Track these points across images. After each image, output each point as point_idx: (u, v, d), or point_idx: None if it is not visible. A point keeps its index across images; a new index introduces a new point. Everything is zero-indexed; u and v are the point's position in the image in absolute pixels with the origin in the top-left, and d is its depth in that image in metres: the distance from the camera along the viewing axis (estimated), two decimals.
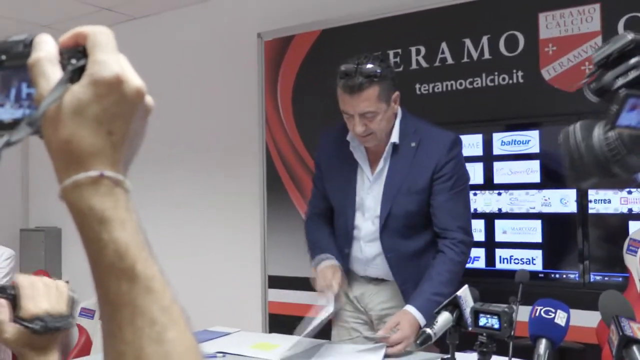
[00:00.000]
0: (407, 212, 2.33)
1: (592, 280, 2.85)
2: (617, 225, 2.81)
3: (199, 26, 4.28)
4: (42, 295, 1.13)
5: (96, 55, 0.57)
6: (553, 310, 1.56)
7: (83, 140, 0.55)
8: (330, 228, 2.52)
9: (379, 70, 2.20)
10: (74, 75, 0.56)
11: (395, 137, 2.34)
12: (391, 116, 2.32)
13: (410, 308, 2.18)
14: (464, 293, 1.75)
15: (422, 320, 2.15)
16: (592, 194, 2.85)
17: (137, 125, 0.59)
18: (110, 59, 0.57)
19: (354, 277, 2.46)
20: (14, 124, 0.57)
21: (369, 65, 2.19)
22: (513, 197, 3.04)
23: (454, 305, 1.74)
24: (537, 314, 1.56)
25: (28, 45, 0.59)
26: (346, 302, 2.44)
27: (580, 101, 2.89)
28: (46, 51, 0.57)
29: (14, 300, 1.11)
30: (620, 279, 2.71)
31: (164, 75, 4.44)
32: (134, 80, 0.58)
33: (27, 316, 1.09)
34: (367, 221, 2.40)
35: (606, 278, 2.81)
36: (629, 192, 2.78)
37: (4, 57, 0.58)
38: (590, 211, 2.86)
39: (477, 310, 1.63)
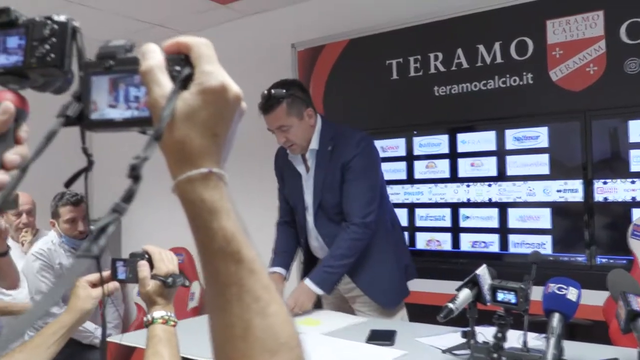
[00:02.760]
0: (332, 204, 2.50)
1: (598, 262, 2.80)
2: (621, 212, 2.75)
3: (239, 39, 4.30)
4: (166, 259, 1.36)
5: (203, 66, 0.58)
6: (565, 287, 1.53)
7: (194, 142, 0.57)
8: (292, 231, 2.72)
9: (283, 91, 2.41)
10: (184, 83, 0.58)
11: (314, 144, 2.51)
12: (307, 128, 2.48)
13: (306, 279, 2.41)
14: (483, 272, 1.74)
15: (315, 288, 2.37)
16: (598, 183, 2.79)
17: (235, 126, 0.61)
18: (215, 70, 0.58)
19: (318, 260, 2.59)
20: (125, 123, 0.59)
21: (276, 90, 2.42)
22: (525, 187, 3.00)
23: (474, 283, 1.73)
24: (550, 291, 1.54)
25: (129, 51, 0.60)
26: None
27: (585, 100, 2.87)
28: (157, 60, 0.58)
29: (150, 262, 1.35)
30: (625, 261, 2.66)
31: None
32: (234, 87, 0.59)
33: (161, 274, 1.32)
34: (310, 214, 2.59)
35: (612, 260, 2.75)
36: (632, 182, 2.72)
37: (112, 62, 0.59)
38: (595, 199, 2.81)
39: (495, 287, 1.62)
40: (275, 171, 2.80)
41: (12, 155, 0.59)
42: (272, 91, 2.41)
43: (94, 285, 1.38)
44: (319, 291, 2.40)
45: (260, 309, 0.57)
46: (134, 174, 0.53)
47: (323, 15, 3.80)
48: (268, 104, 2.41)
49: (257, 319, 0.57)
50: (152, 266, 1.35)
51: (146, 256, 1.36)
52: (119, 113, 0.59)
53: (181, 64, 0.58)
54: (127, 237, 5.18)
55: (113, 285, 1.42)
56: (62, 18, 0.60)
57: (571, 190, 2.86)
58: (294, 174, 2.62)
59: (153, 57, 0.58)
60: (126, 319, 4.46)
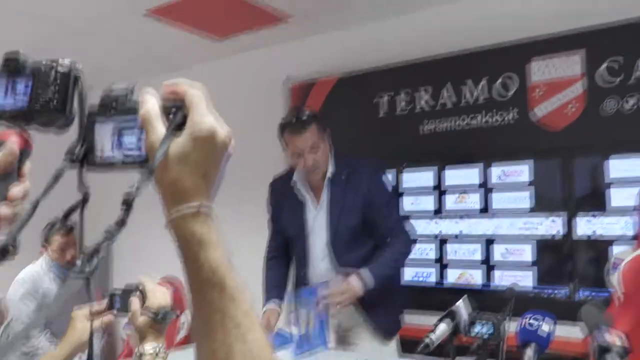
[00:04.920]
0: (350, 227, 2.54)
1: (580, 296, 2.84)
2: (602, 247, 2.81)
3: (233, 74, 4.39)
4: (159, 293, 1.37)
5: (195, 113, 0.64)
6: (540, 318, 1.58)
7: (186, 181, 0.63)
8: (282, 266, 2.75)
9: (311, 113, 2.54)
10: (177, 128, 0.64)
11: (331, 171, 2.57)
12: (327, 150, 2.56)
13: (362, 270, 2.41)
14: (462, 304, 1.78)
15: (369, 279, 2.39)
16: (580, 220, 2.86)
17: (223, 167, 0.68)
18: (205, 118, 0.64)
19: None
20: (125, 164, 0.65)
21: (306, 112, 2.54)
22: (507, 221, 3.06)
23: (452, 316, 1.77)
24: (525, 322, 1.59)
25: (130, 95, 0.67)
26: None
27: (566, 138, 2.95)
28: (153, 107, 0.65)
29: (143, 296, 1.36)
30: (608, 294, 2.70)
31: None
32: (222, 133, 0.66)
33: (153, 307, 1.34)
34: (317, 244, 2.60)
35: (593, 294, 2.80)
36: (612, 218, 2.78)
37: (114, 109, 0.67)
38: (577, 235, 2.87)
39: (472, 319, 1.66)
40: (269, 203, 2.81)
41: (16, 190, 0.65)
42: (301, 113, 2.50)
43: (90, 317, 1.41)
44: (372, 282, 2.40)
45: (241, 335, 0.62)
46: (126, 202, 0.60)
47: (315, 52, 3.90)
48: (302, 123, 2.45)
49: (238, 345, 0.61)
50: (145, 298, 1.37)
51: (139, 288, 1.38)
52: (119, 155, 0.66)
53: (176, 110, 0.65)
54: (118, 265, 5.18)
55: (108, 318, 1.45)
56: (66, 63, 0.66)
57: (552, 225, 2.93)
58: (295, 203, 2.64)
59: (150, 104, 0.65)
60: (112, 352, 4.44)
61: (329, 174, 2.56)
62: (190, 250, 0.63)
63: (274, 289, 2.67)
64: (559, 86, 2.96)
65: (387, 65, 3.50)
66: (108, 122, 0.66)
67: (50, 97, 0.65)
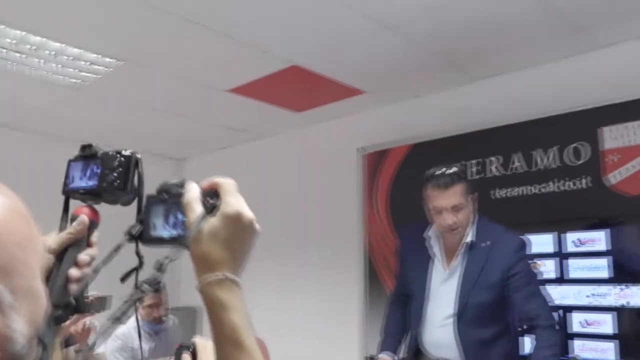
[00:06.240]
0: (481, 304, 2.36)
1: None
2: None
3: (310, 143, 4.62)
4: (209, 353, 1.40)
5: (226, 198, 0.79)
6: None
7: (214, 254, 0.76)
8: (403, 313, 2.63)
9: (461, 171, 2.42)
10: (211, 210, 0.78)
11: (471, 237, 2.41)
12: (470, 213, 2.41)
13: None
14: None
15: None
16: None
17: (250, 243, 0.80)
18: (234, 201, 0.78)
19: (425, 359, 2.50)
20: (171, 240, 0.80)
21: (453, 168, 2.40)
22: (585, 290, 2.96)
23: None
24: None
25: (181, 187, 0.82)
26: None
27: None
28: (193, 194, 0.80)
29: (194, 356, 1.40)
30: None
31: (284, 184, 4.79)
32: (248, 214, 0.79)
33: None
34: (439, 308, 2.45)
35: None
36: None
37: (166, 196, 0.82)
38: None
39: None
40: (399, 249, 2.81)
41: (84, 256, 0.80)
42: (450, 169, 2.38)
43: None
44: None
45: None
46: (159, 267, 0.75)
47: (388, 122, 4.05)
48: (452, 179, 2.35)
49: None
50: (195, 357, 1.49)
51: (191, 348, 1.51)
52: (167, 233, 0.81)
53: (212, 196, 0.79)
54: (206, 327, 5.39)
55: None
56: (127, 152, 0.83)
57: (635, 295, 2.80)
58: (422, 258, 2.51)
59: (191, 192, 0.80)
60: None
61: (468, 239, 2.40)
62: (215, 312, 0.75)
63: (391, 337, 2.62)
64: (633, 152, 2.90)
65: (458, 132, 3.56)
66: (161, 206, 0.81)
67: (115, 178, 0.81)
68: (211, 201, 0.79)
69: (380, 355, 2.56)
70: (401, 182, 3.85)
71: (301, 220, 4.59)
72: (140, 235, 0.81)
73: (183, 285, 5.70)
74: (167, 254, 0.78)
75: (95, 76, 3.58)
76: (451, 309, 2.40)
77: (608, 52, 3.08)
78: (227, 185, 0.80)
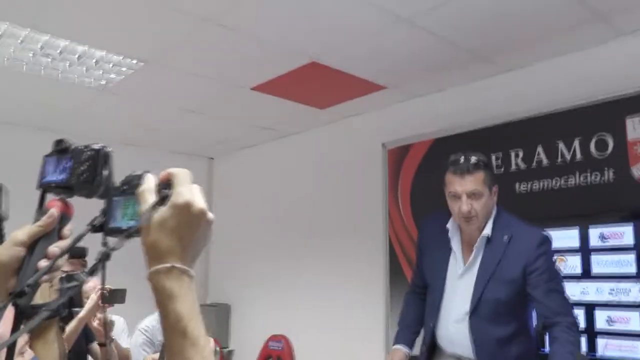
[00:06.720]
0: (497, 300, 2.27)
1: None
2: None
3: (334, 139, 4.62)
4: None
5: (177, 188, 0.79)
6: None
7: (163, 243, 0.77)
8: (422, 304, 2.56)
9: (483, 159, 2.32)
10: (162, 200, 0.79)
11: (488, 230, 2.32)
12: (490, 205, 2.33)
13: None
14: None
15: None
16: None
17: (201, 233, 0.80)
18: (184, 190, 0.79)
19: (441, 353, 2.44)
20: (128, 230, 0.81)
21: (476, 156, 2.32)
22: (610, 286, 2.86)
23: None
24: None
25: (140, 179, 0.83)
26: None
27: None
28: (148, 185, 0.81)
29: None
30: None
31: (310, 180, 4.81)
32: (198, 204, 0.79)
33: None
34: (455, 303, 2.38)
35: None
36: None
37: (126, 187, 0.84)
38: None
39: None
40: (418, 238, 2.73)
41: (54, 248, 0.83)
42: (472, 156, 2.31)
43: None
44: None
45: None
46: (102, 257, 0.77)
47: (410, 116, 4.01)
48: (472, 165, 2.28)
49: None
50: None
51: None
52: (125, 224, 0.82)
53: (166, 187, 0.80)
54: (236, 324, 5.49)
55: None
56: (97, 146, 0.84)
57: None
58: (442, 253, 2.44)
59: (146, 183, 0.81)
60: None
61: (486, 232, 2.33)
62: (161, 301, 0.76)
63: (407, 329, 2.58)
64: None
65: (481, 126, 3.50)
66: (121, 197, 0.83)
67: (83, 171, 0.83)
68: (164, 191, 0.80)
69: (395, 347, 2.53)
70: (424, 176, 3.82)
71: (325, 215, 4.61)
72: (102, 226, 0.83)
73: (212, 283, 5.82)
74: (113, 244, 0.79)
75: (119, 77, 3.68)
76: (467, 305, 2.32)
77: (631, 39, 2.97)
78: (180, 175, 0.81)
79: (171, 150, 5.43)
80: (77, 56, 3.37)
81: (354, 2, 2.71)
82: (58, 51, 3.30)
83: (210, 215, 0.80)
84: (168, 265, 0.76)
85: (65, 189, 0.85)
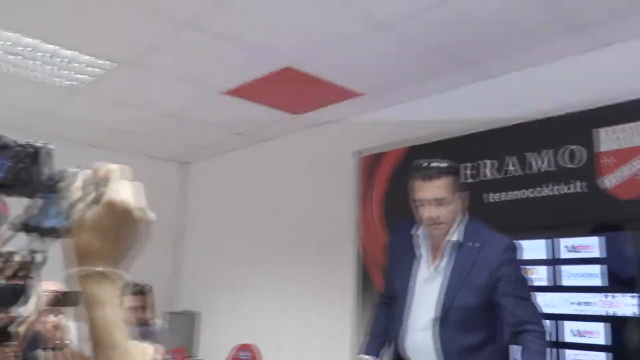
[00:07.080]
0: (467, 307, 2.23)
1: None
2: None
3: (309, 145, 4.59)
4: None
5: (111, 186, 0.74)
6: None
7: (94, 244, 0.72)
8: (388, 314, 2.51)
9: (448, 165, 2.30)
10: (97, 198, 0.74)
11: (458, 236, 2.30)
12: (457, 210, 2.31)
13: None
14: None
15: None
16: None
17: (135, 233, 0.75)
18: (119, 189, 0.74)
19: None
20: (50, 230, 0.77)
21: (441, 162, 2.31)
22: (577, 298, 2.86)
23: None
24: None
25: (69, 176, 0.78)
26: None
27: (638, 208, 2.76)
28: (76, 183, 0.76)
29: None
30: None
31: (283, 187, 4.76)
32: (133, 202, 0.74)
33: None
34: (421, 310, 2.33)
35: None
36: None
37: (55, 183, 0.78)
38: None
39: None
40: (387, 245, 2.68)
41: None
42: (443, 161, 2.30)
43: None
44: None
45: None
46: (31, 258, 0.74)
47: (383, 125, 4.00)
48: (438, 170, 2.26)
49: None
50: None
51: None
52: (49, 222, 0.77)
53: (102, 184, 0.75)
54: (205, 332, 5.40)
55: None
56: (38, 144, 0.80)
57: (628, 304, 2.69)
58: (408, 255, 2.41)
59: (78, 180, 0.76)
60: None
61: (453, 237, 2.30)
62: (89, 306, 0.71)
63: (376, 339, 2.52)
64: (629, 154, 2.80)
65: (453, 135, 3.50)
66: (54, 195, 0.78)
67: (21, 169, 0.78)
68: (97, 189, 0.75)
69: (363, 357, 2.47)
70: (396, 185, 3.79)
71: (297, 223, 4.55)
72: (25, 227, 0.79)
73: (182, 290, 5.73)
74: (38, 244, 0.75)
75: (91, 78, 3.61)
76: (432, 312, 2.28)
77: (603, 52, 2.98)
78: (115, 172, 0.75)
79: (145, 154, 5.33)
80: (47, 55, 3.29)
81: (332, 7, 2.69)
82: (29, 49, 3.22)
83: (150, 215, 0.75)
84: (98, 268, 0.71)
85: (2, 187, 0.80)
